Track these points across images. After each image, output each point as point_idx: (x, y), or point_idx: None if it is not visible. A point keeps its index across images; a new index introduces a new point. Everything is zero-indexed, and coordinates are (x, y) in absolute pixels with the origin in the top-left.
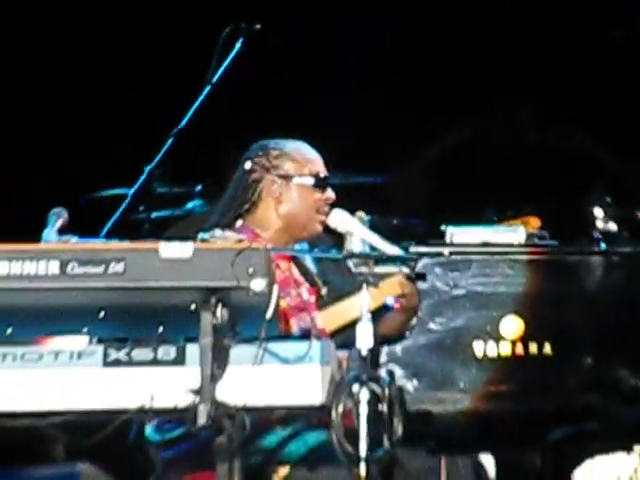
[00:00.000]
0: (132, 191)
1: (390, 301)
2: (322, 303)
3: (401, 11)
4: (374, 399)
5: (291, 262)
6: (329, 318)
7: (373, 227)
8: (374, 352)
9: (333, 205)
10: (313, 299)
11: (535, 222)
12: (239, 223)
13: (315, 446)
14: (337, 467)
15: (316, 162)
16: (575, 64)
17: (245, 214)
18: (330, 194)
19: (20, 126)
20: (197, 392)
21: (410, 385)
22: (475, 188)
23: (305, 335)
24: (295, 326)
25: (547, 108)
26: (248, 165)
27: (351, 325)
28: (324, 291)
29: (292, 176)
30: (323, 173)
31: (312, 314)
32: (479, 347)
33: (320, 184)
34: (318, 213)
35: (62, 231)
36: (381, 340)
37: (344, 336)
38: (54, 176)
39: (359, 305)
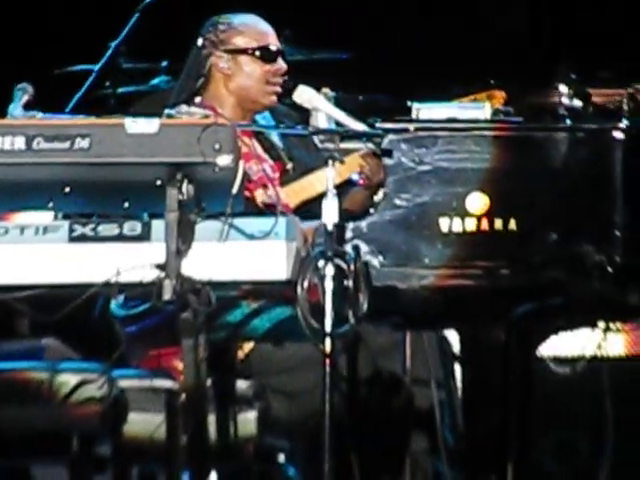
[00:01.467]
0: (98, 67)
1: (355, 176)
2: (288, 178)
3: None
4: (339, 274)
5: (253, 138)
6: (294, 192)
7: (339, 103)
8: (339, 228)
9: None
10: (277, 175)
11: (501, 95)
12: (198, 100)
13: (280, 321)
14: (302, 342)
15: (265, 35)
16: None
17: (201, 91)
18: (280, 65)
19: None
20: (162, 267)
21: (375, 261)
22: (442, 63)
23: (271, 210)
24: (258, 200)
25: None
26: (200, 42)
27: (316, 199)
28: (289, 166)
29: (239, 49)
30: (274, 45)
31: (275, 189)
32: (445, 223)
33: (268, 56)
34: (268, 85)
35: (28, 107)
36: (346, 216)
37: (308, 211)
38: (20, 51)
39: (324, 180)
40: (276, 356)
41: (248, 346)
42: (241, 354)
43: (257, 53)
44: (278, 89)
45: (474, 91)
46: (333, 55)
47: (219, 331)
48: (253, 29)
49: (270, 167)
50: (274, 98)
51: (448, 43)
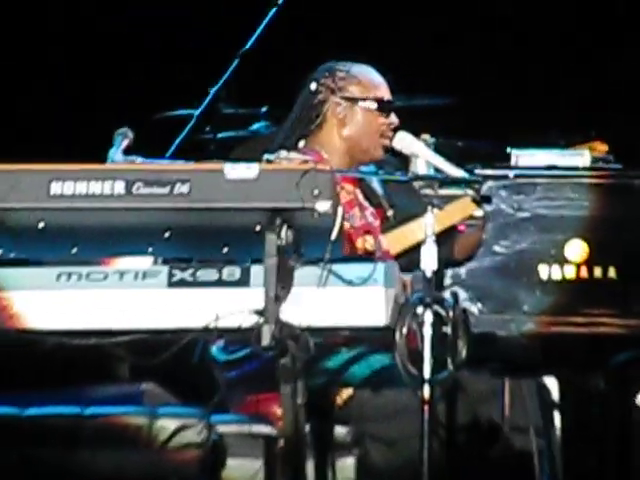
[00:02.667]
0: (198, 112)
1: (455, 223)
2: (388, 225)
3: None
4: (438, 321)
5: (356, 185)
6: (395, 240)
7: (438, 149)
8: (438, 274)
9: (398, 128)
10: (378, 222)
11: (601, 146)
12: (302, 144)
13: (379, 368)
14: (400, 389)
15: (381, 86)
16: None
17: (309, 135)
18: (394, 119)
19: (93, 47)
20: (261, 313)
21: (474, 308)
22: (543, 109)
23: (370, 257)
24: (360, 247)
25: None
26: (314, 86)
27: (417, 247)
28: (390, 213)
29: (357, 99)
30: (388, 97)
31: (377, 236)
32: (544, 270)
33: (384, 108)
34: (381, 137)
35: (128, 151)
36: (447, 262)
37: (410, 258)
38: (121, 97)
39: (424, 227)
40: (374, 403)
41: (347, 392)
42: (340, 400)
43: (374, 104)
44: (388, 143)
45: (576, 143)
46: (433, 100)
47: (318, 377)
48: (371, 79)
49: (372, 215)
50: (382, 152)
51: (551, 89)
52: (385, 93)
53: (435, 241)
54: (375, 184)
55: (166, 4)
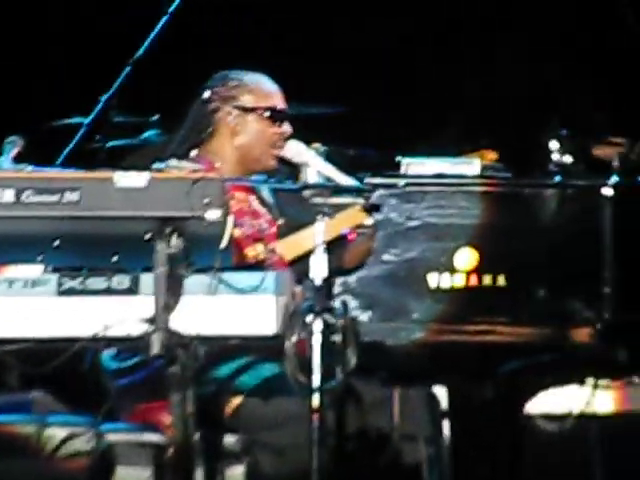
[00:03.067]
0: (88, 120)
1: (345, 231)
2: (279, 234)
3: None
4: (327, 329)
5: (249, 194)
6: (285, 249)
7: (328, 158)
8: (328, 282)
9: (289, 136)
10: (273, 230)
11: (491, 155)
12: (194, 153)
13: (269, 377)
14: (290, 398)
15: (274, 95)
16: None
17: (201, 144)
18: (286, 128)
19: None
20: (151, 321)
21: (364, 316)
22: (432, 120)
23: (260, 265)
24: (251, 256)
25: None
26: (207, 94)
27: (307, 256)
28: (280, 221)
29: (248, 108)
30: (281, 107)
31: (270, 244)
32: (433, 278)
33: (277, 118)
34: (273, 147)
35: (17, 159)
36: (336, 270)
37: (301, 267)
38: (10, 105)
39: (314, 235)
40: (264, 411)
41: (236, 401)
42: (229, 409)
43: (266, 113)
44: (280, 152)
45: (465, 151)
46: (323, 109)
47: (207, 385)
48: (264, 88)
49: (267, 222)
50: (275, 161)
51: (439, 97)
52: (278, 102)
53: (325, 250)
54: (265, 193)
55: (58, 10)
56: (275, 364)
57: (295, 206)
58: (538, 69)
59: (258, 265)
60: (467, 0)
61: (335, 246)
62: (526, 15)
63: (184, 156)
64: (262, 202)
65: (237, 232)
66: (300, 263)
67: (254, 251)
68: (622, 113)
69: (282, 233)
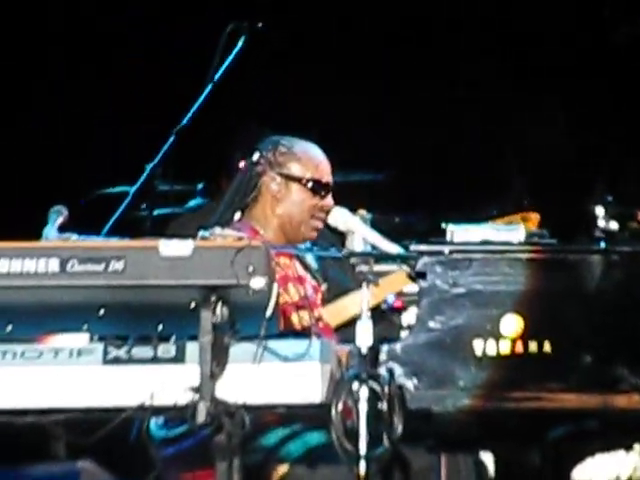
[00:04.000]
0: (134, 189)
1: (390, 298)
2: (323, 300)
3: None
4: (374, 397)
5: (293, 259)
6: (329, 315)
7: (374, 225)
8: (374, 350)
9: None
10: (318, 296)
11: (535, 217)
12: (237, 216)
13: (315, 446)
14: (337, 466)
15: (321, 167)
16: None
17: (245, 208)
18: (329, 201)
19: (22, 123)
20: (196, 390)
21: (410, 383)
22: (476, 186)
23: (305, 333)
24: (297, 323)
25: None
26: (256, 157)
27: (352, 322)
28: (324, 287)
29: (292, 177)
30: (326, 179)
31: (314, 311)
32: (479, 345)
33: (320, 189)
34: (313, 219)
35: (62, 229)
36: (381, 338)
37: (345, 333)
38: (56, 174)
39: (359, 302)
40: (311, 479)
41: (283, 469)
42: (276, 477)
43: (310, 185)
44: (321, 225)
45: (509, 213)
46: (368, 176)
47: (254, 454)
48: (312, 159)
49: (312, 287)
50: (315, 234)
51: (483, 164)
52: (324, 174)
53: (370, 316)
54: (309, 259)
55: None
56: (322, 432)
57: (340, 272)
58: (586, 134)
59: (303, 332)
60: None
61: (380, 314)
62: (572, 79)
63: (228, 221)
64: (305, 267)
65: (283, 299)
66: (346, 331)
67: (301, 317)
68: None
69: (326, 299)
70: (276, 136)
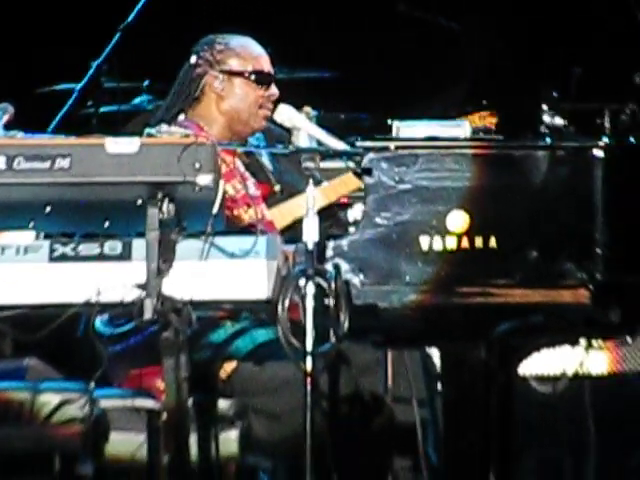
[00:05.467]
0: (79, 86)
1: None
2: (275, 199)
3: None
4: (320, 293)
5: (235, 156)
6: (282, 214)
7: (320, 122)
8: (320, 246)
9: (279, 100)
10: (259, 193)
11: (491, 118)
12: (181, 117)
13: (263, 342)
14: (284, 363)
15: (260, 58)
16: None
17: (188, 109)
18: (273, 90)
19: None
20: (143, 287)
21: (356, 279)
22: (424, 82)
23: (251, 229)
24: (241, 219)
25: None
26: (193, 59)
27: (300, 223)
28: (277, 188)
29: (234, 72)
30: (268, 69)
31: (259, 207)
32: (425, 241)
33: (263, 80)
34: (261, 109)
35: (8, 126)
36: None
37: (295, 232)
38: (1, 71)
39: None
40: (258, 376)
41: (230, 366)
42: (223, 374)
43: (253, 77)
44: (269, 114)
45: (466, 113)
46: (315, 73)
47: (202, 351)
48: (249, 52)
49: (254, 185)
50: (264, 123)
51: (431, 60)
52: (265, 65)
53: (318, 215)
54: (264, 158)
55: None
56: (269, 329)
57: (292, 173)
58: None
59: (250, 229)
60: None
61: (328, 212)
62: None
63: (172, 121)
64: (248, 167)
65: (229, 193)
66: (296, 228)
67: (246, 214)
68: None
69: (279, 199)
70: (210, 35)
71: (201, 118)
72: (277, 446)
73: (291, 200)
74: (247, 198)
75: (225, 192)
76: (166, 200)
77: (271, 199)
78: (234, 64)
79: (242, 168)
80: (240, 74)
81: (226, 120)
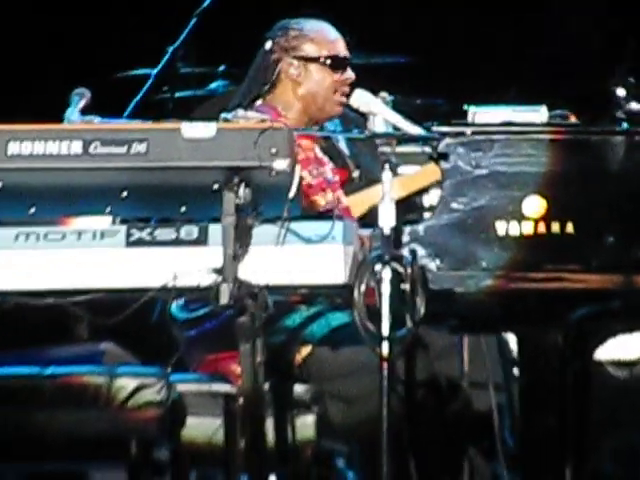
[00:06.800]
0: (155, 71)
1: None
2: (354, 186)
3: None
4: (396, 278)
5: (314, 141)
6: (360, 201)
7: (396, 107)
8: (396, 231)
9: (355, 85)
10: (337, 178)
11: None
12: (259, 102)
13: (338, 326)
14: (360, 347)
15: (336, 43)
16: None
17: (265, 95)
18: (349, 74)
19: (47, 7)
20: (219, 271)
21: (432, 264)
22: (502, 70)
23: (328, 214)
24: (318, 205)
25: None
26: (268, 45)
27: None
28: (356, 174)
29: (310, 58)
30: (343, 54)
31: (335, 192)
32: (501, 226)
33: (338, 65)
34: (337, 94)
35: (85, 111)
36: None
37: (371, 217)
38: (78, 57)
39: (390, 189)
40: (334, 360)
41: (306, 350)
42: (299, 358)
43: (328, 62)
44: (344, 99)
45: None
46: (391, 59)
47: (277, 335)
48: (324, 37)
49: (331, 170)
50: (340, 108)
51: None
52: (340, 49)
53: (396, 204)
54: (342, 144)
55: None
56: (344, 313)
57: (371, 160)
58: (603, 20)
59: (326, 214)
60: None
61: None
62: None
63: (249, 106)
64: (327, 152)
65: (306, 179)
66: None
67: (323, 199)
68: None
69: (357, 185)
70: (283, 21)
71: (279, 103)
72: (353, 431)
73: (369, 189)
74: (324, 183)
75: (302, 178)
76: (242, 185)
77: (349, 185)
78: (309, 50)
79: (320, 153)
80: (315, 60)
81: (303, 105)
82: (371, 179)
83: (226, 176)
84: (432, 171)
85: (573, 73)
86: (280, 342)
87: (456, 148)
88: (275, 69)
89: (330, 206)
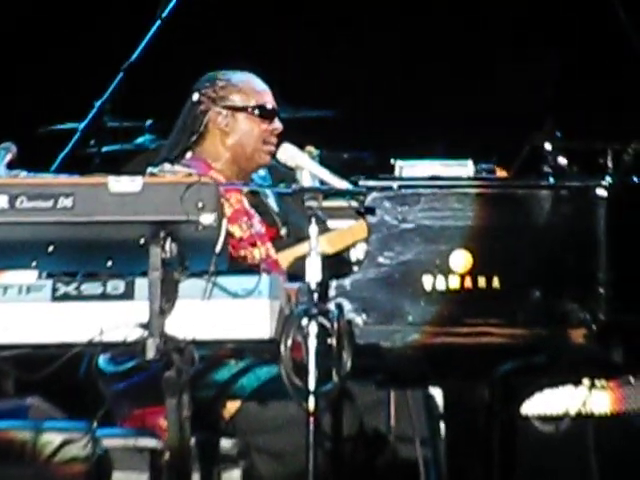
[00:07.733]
0: (82, 125)
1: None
2: (282, 243)
3: None
4: (323, 333)
5: (242, 194)
6: (287, 261)
7: (322, 162)
8: (323, 286)
9: (282, 139)
10: (264, 230)
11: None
12: (189, 155)
13: (266, 380)
14: (287, 401)
15: (263, 93)
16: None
17: (194, 146)
18: (277, 125)
19: None
20: (146, 326)
21: (359, 319)
22: (426, 123)
23: (255, 269)
24: (251, 258)
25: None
26: (195, 97)
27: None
28: (284, 231)
29: (237, 107)
30: (270, 104)
31: (265, 245)
32: (428, 281)
33: (266, 115)
34: (265, 144)
35: (11, 166)
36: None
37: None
38: (3, 111)
39: (320, 246)
40: (262, 415)
41: (234, 405)
42: (226, 413)
43: (256, 111)
44: (273, 148)
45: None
46: (317, 113)
47: (206, 390)
48: (252, 87)
49: (260, 222)
50: (269, 158)
51: (434, 102)
52: (268, 99)
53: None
54: (271, 200)
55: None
56: (273, 367)
57: (299, 215)
58: (533, 71)
59: (253, 269)
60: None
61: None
62: (521, 18)
63: (178, 159)
64: (267, 209)
65: (236, 233)
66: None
67: (253, 254)
68: (616, 114)
69: (285, 243)
70: (210, 72)
71: (208, 154)
72: None
73: (297, 245)
74: (255, 237)
75: (231, 234)
76: (169, 239)
77: (278, 243)
78: (237, 99)
79: (248, 205)
80: (243, 109)
81: (232, 155)
82: (300, 237)
83: (152, 230)
84: (360, 228)
85: (501, 126)
86: (208, 396)
87: (382, 202)
88: (203, 120)
89: (259, 260)
